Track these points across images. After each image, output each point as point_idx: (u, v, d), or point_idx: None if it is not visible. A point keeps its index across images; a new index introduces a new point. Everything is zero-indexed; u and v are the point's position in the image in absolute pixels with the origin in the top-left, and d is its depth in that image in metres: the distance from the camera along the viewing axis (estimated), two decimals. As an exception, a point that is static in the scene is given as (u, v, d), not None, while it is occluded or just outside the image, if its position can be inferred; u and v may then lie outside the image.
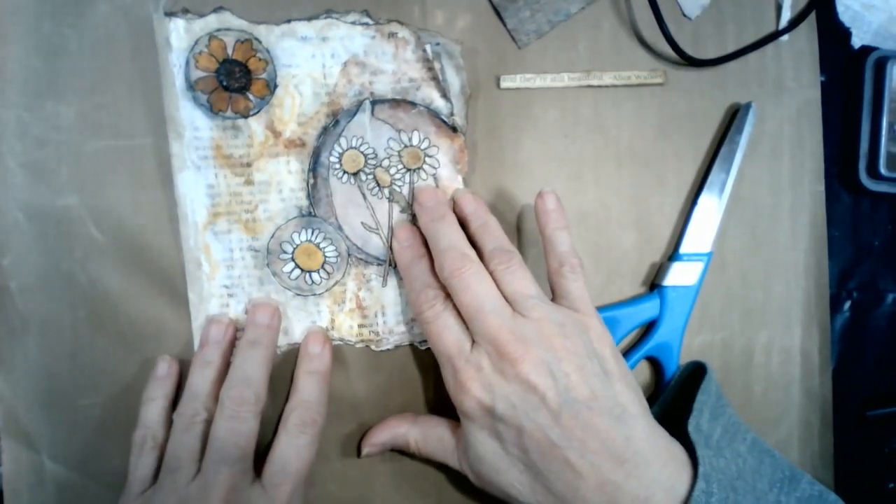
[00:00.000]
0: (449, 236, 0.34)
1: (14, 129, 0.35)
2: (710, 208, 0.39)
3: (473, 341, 0.32)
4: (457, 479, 0.38)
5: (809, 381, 0.41)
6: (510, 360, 0.30)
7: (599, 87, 0.39)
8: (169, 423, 0.34)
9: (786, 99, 0.40)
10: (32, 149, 0.35)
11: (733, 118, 0.39)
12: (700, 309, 0.39)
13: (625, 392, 0.31)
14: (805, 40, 0.40)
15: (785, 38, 0.40)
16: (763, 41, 0.39)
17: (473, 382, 0.31)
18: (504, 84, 0.38)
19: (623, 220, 0.39)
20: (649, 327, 0.39)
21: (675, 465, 0.30)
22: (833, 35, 0.41)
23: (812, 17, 0.40)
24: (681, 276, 0.38)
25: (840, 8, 0.41)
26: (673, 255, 0.39)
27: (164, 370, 0.35)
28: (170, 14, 0.35)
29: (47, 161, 0.36)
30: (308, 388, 0.34)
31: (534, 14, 0.38)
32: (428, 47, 0.36)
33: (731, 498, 0.30)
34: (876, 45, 0.42)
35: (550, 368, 0.30)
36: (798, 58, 0.40)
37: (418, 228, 0.36)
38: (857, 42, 0.42)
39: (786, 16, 0.40)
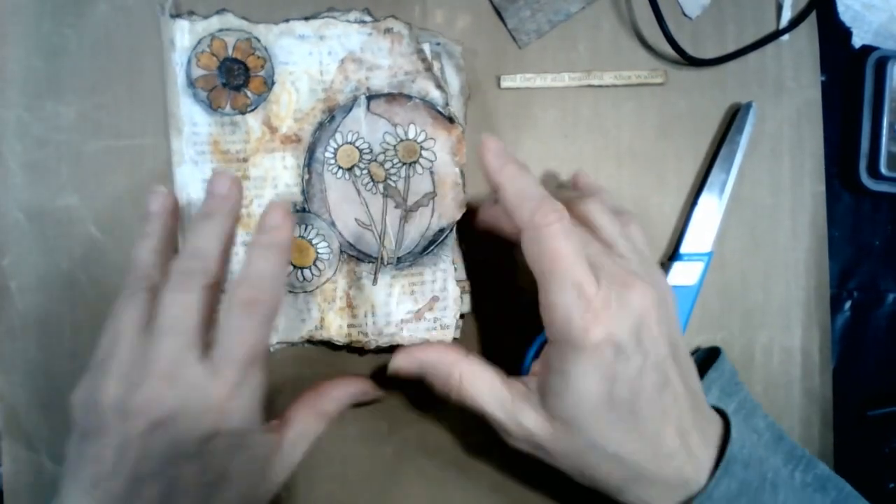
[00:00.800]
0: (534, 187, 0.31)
1: (14, 129, 0.35)
2: (711, 208, 0.39)
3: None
4: (458, 478, 0.38)
5: (810, 381, 0.40)
6: (638, 295, 0.29)
7: (600, 86, 0.39)
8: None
9: (786, 99, 0.40)
10: (32, 149, 0.35)
11: (733, 118, 0.39)
12: (700, 309, 0.39)
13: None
14: (805, 40, 0.40)
15: (785, 37, 0.40)
16: (763, 41, 0.39)
17: (607, 312, 0.28)
18: (504, 84, 0.38)
19: (623, 219, 0.39)
20: (649, 327, 0.39)
21: (715, 417, 0.32)
22: (833, 35, 0.41)
23: (812, 16, 0.40)
24: (681, 275, 0.38)
25: (840, 8, 0.41)
26: (673, 254, 0.39)
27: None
28: (175, 16, 0.35)
29: (47, 161, 0.36)
30: (258, 264, 0.29)
31: (534, 14, 0.38)
32: (427, 46, 0.36)
33: (754, 455, 0.31)
34: (876, 44, 0.42)
35: (662, 308, 0.30)
36: (798, 57, 0.40)
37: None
38: (857, 42, 0.42)
39: (786, 15, 0.40)
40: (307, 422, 0.32)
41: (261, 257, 0.30)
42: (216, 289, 0.30)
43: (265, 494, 0.30)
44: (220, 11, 0.35)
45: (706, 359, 0.38)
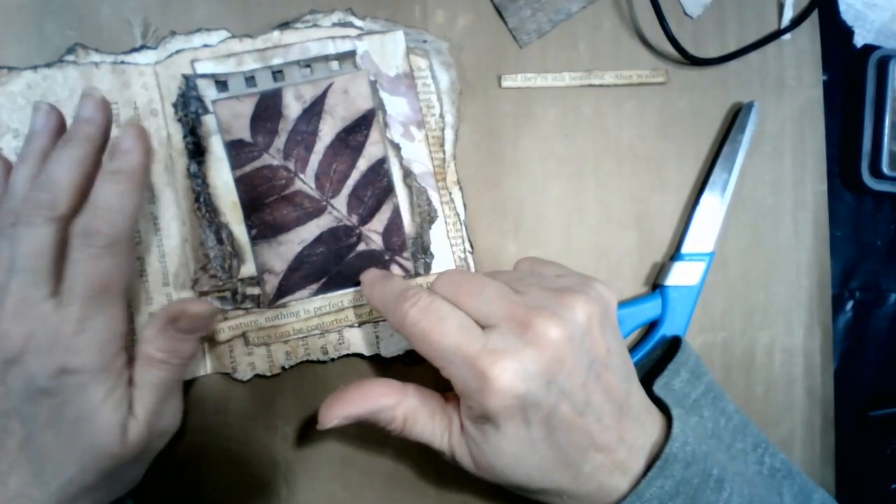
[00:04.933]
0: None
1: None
2: (712, 208, 0.39)
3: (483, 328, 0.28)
4: (457, 479, 0.38)
5: (811, 381, 0.40)
6: (535, 326, 0.27)
7: (600, 86, 0.39)
8: None
9: (788, 98, 0.40)
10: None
11: (735, 117, 0.39)
12: (702, 309, 0.39)
13: (624, 345, 0.31)
14: (807, 39, 0.40)
15: (787, 36, 0.40)
16: (765, 40, 0.39)
17: (503, 369, 0.26)
18: (505, 83, 0.38)
19: (624, 219, 0.39)
20: (651, 327, 0.39)
21: (656, 417, 0.31)
22: (835, 34, 0.41)
23: (814, 15, 0.40)
24: (682, 275, 0.38)
25: (842, 7, 0.41)
26: (674, 254, 0.39)
27: None
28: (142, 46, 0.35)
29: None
30: (102, 192, 0.28)
31: (535, 13, 0.38)
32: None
33: (703, 449, 0.30)
34: (878, 43, 0.42)
35: (570, 329, 0.27)
36: (800, 57, 0.40)
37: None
38: (859, 41, 0.42)
39: (788, 14, 0.40)
40: (142, 365, 0.30)
41: (106, 184, 0.28)
42: (70, 220, 0.28)
43: (130, 442, 0.28)
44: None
45: (668, 348, 0.38)
